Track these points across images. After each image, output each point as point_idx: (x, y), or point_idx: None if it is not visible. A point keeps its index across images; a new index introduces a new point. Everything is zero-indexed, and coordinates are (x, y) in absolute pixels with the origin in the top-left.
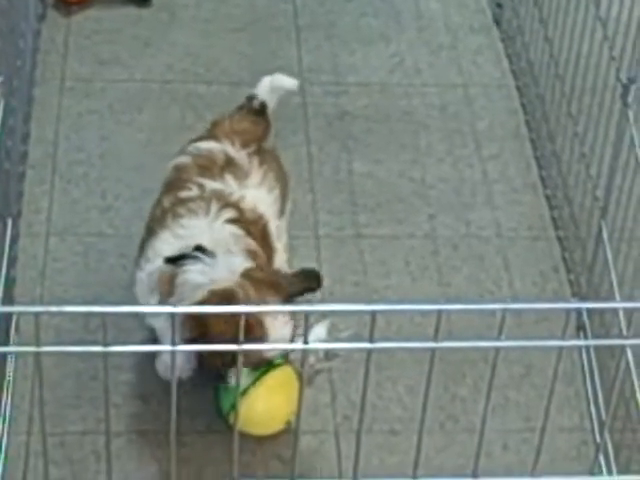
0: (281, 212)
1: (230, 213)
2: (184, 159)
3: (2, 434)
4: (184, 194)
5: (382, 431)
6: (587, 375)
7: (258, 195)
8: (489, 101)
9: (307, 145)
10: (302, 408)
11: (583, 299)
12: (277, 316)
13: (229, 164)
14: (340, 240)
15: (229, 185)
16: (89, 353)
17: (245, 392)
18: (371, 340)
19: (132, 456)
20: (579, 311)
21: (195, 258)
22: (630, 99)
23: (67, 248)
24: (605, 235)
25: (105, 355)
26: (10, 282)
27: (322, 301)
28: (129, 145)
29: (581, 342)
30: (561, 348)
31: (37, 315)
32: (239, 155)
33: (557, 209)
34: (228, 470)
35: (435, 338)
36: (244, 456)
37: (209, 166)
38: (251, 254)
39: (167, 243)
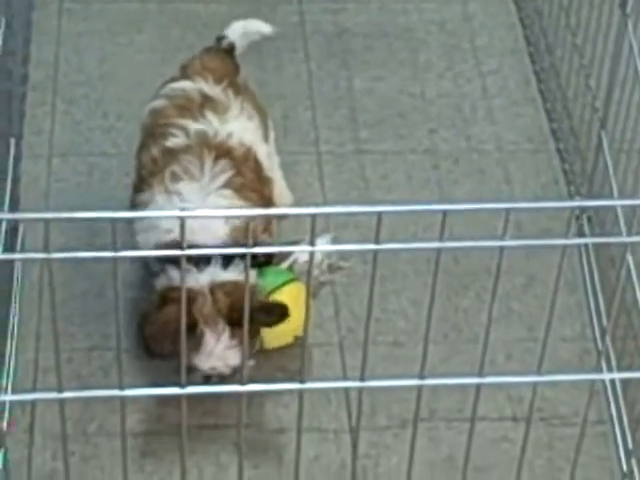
0: (265, 138)
1: (224, 171)
2: (160, 102)
3: (10, 351)
4: (171, 142)
5: (386, 343)
6: (588, 284)
7: (241, 125)
8: (487, 17)
9: (306, 63)
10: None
11: (584, 209)
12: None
13: (206, 101)
14: (341, 156)
15: (211, 123)
16: (99, 259)
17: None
18: (377, 241)
19: (138, 372)
20: (580, 222)
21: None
22: (629, 9)
23: (70, 168)
24: (605, 145)
25: (115, 260)
26: (14, 202)
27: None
28: (129, 66)
29: (584, 240)
30: (564, 249)
31: (47, 222)
32: (214, 91)
33: (557, 122)
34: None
35: (440, 238)
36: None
37: (187, 106)
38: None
39: (165, 208)
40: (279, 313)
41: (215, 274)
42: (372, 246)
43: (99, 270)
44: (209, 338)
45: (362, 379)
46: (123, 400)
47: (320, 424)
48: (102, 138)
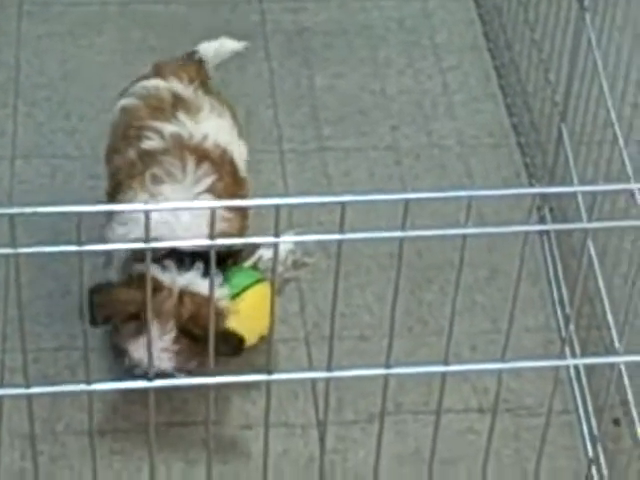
0: (240, 134)
1: (206, 175)
2: (132, 101)
3: None
4: (147, 145)
5: (352, 337)
6: (551, 274)
7: (215, 125)
8: (447, 13)
9: (267, 61)
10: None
11: (545, 200)
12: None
13: (178, 101)
14: (304, 154)
15: (184, 125)
16: (65, 253)
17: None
18: (341, 231)
19: (105, 371)
20: (542, 213)
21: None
22: (586, 3)
23: (33, 170)
24: (565, 138)
25: (80, 255)
26: None
27: (289, 213)
28: (90, 67)
29: (545, 227)
30: (526, 236)
31: (12, 217)
32: (186, 91)
33: (517, 116)
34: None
35: (403, 227)
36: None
37: (159, 106)
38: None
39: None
40: (234, 345)
41: (192, 281)
42: (337, 236)
43: (64, 270)
44: (153, 332)
45: (329, 369)
46: (90, 395)
47: (288, 419)
48: (65, 140)
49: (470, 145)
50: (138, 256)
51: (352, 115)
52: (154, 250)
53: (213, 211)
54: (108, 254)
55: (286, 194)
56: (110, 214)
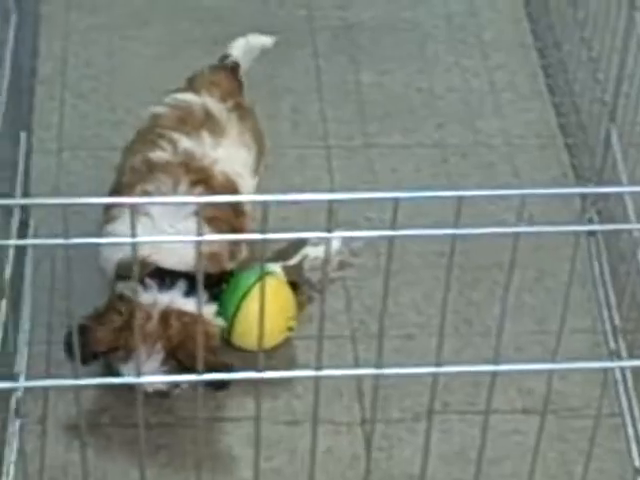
0: (255, 172)
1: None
2: (161, 109)
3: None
4: (155, 155)
5: (399, 336)
6: (598, 278)
7: (232, 153)
8: (494, 11)
9: (314, 58)
10: (316, 315)
11: (592, 203)
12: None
13: (207, 118)
14: (350, 150)
15: (203, 143)
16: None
17: (237, 309)
18: (393, 227)
19: None
20: (589, 216)
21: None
22: (637, 2)
23: (80, 162)
24: (614, 139)
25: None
26: (26, 196)
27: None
28: (137, 59)
29: (598, 227)
30: (577, 238)
31: (65, 207)
32: (218, 109)
33: (565, 116)
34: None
35: (456, 224)
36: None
37: (186, 119)
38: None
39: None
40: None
41: (174, 300)
42: (389, 232)
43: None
44: (140, 354)
45: (379, 366)
46: (139, 388)
47: (333, 417)
48: (111, 132)
49: (517, 145)
50: (121, 273)
51: (398, 112)
52: (143, 267)
53: (201, 207)
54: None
55: (332, 190)
56: (107, 209)
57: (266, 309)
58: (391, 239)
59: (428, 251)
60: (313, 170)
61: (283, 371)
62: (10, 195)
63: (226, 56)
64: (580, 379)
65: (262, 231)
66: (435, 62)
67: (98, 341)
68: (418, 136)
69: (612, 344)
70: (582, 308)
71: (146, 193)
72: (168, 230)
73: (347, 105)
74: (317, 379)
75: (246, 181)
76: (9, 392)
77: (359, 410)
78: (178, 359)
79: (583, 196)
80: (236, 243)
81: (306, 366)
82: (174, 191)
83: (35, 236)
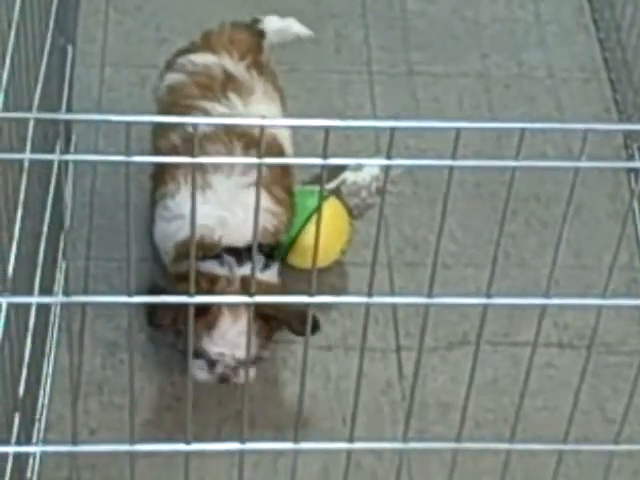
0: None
1: (254, 165)
2: (179, 77)
3: (61, 260)
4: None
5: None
6: (637, 215)
7: (266, 110)
8: None
9: None
10: (354, 241)
11: (634, 139)
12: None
13: (230, 80)
14: (393, 76)
15: (235, 107)
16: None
17: (300, 229)
18: (454, 157)
19: None
20: (630, 152)
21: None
22: None
23: (122, 79)
24: None
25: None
26: (69, 110)
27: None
28: None
29: (635, 164)
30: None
31: (129, 125)
32: (238, 68)
33: (610, 51)
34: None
35: (517, 157)
36: (300, 285)
37: (209, 85)
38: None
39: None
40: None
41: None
42: (449, 162)
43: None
44: (225, 318)
45: (430, 295)
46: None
47: (367, 343)
48: (154, 50)
49: (560, 78)
50: (184, 252)
51: (443, 41)
52: (208, 247)
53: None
54: (154, 249)
55: (375, 116)
56: (154, 209)
57: (326, 231)
58: (451, 169)
59: (466, 181)
60: (355, 96)
61: (335, 296)
62: (56, 110)
63: (257, 20)
64: (614, 315)
65: (323, 156)
66: None
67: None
68: (461, 66)
69: None
70: (620, 243)
71: (201, 167)
72: (230, 205)
73: (391, 32)
74: (367, 306)
75: (284, 135)
76: (48, 307)
77: (394, 337)
78: (267, 318)
79: (626, 133)
80: (291, 212)
81: (343, 291)
82: (231, 167)
83: (76, 152)
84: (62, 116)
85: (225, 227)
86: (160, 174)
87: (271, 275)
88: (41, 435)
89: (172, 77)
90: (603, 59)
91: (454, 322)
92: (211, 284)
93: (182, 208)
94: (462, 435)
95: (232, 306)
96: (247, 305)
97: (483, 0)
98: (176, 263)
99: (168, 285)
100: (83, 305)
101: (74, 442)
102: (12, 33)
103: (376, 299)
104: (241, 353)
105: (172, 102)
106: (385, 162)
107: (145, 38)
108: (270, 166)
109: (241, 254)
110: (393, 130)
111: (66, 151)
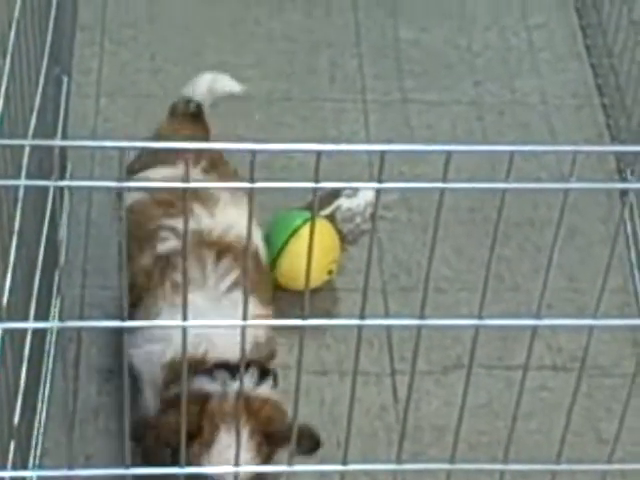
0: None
1: (229, 271)
2: (139, 196)
3: (56, 295)
4: (162, 247)
5: (428, 289)
6: (630, 238)
7: (234, 214)
8: None
9: (354, 11)
10: (348, 267)
11: (627, 164)
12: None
13: (191, 192)
14: (387, 105)
15: (200, 219)
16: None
17: (283, 247)
18: (444, 180)
19: None
20: (624, 176)
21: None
22: None
23: (118, 109)
24: None
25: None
26: (65, 139)
27: (369, 163)
28: (177, 8)
29: (628, 185)
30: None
31: (122, 150)
32: (197, 176)
33: (602, 77)
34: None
35: (506, 179)
36: (293, 310)
37: (170, 201)
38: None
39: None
40: (310, 444)
41: (246, 388)
42: (440, 184)
43: None
44: (224, 435)
45: (422, 317)
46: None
47: (362, 367)
48: (149, 80)
49: (553, 104)
50: (173, 376)
51: (436, 69)
52: (199, 362)
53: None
54: (134, 380)
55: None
56: (133, 330)
57: (317, 249)
58: (442, 191)
59: (460, 206)
60: (349, 124)
61: (328, 319)
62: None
63: (187, 100)
64: (608, 338)
65: (315, 180)
66: (474, 20)
67: (174, 427)
68: (455, 93)
69: None
70: (613, 268)
71: (175, 284)
72: (212, 317)
73: (385, 60)
74: (360, 328)
75: (255, 233)
76: (43, 334)
77: (388, 361)
78: (266, 434)
79: (618, 156)
80: (260, 274)
81: (336, 316)
82: (203, 272)
83: (72, 179)
84: (57, 142)
85: (211, 341)
86: (137, 298)
87: (266, 389)
88: (37, 461)
89: (132, 196)
90: (596, 85)
91: (448, 346)
92: (203, 402)
93: (167, 329)
94: (456, 457)
95: (229, 422)
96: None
97: (476, 28)
98: (165, 388)
99: (155, 415)
100: (78, 331)
101: (70, 467)
102: (7, 63)
103: (368, 321)
104: (246, 470)
105: (137, 222)
106: (376, 185)
107: (140, 68)
108: (252, 270)
109: (233, 368)
110: (384, 154)
111: (61, 180)
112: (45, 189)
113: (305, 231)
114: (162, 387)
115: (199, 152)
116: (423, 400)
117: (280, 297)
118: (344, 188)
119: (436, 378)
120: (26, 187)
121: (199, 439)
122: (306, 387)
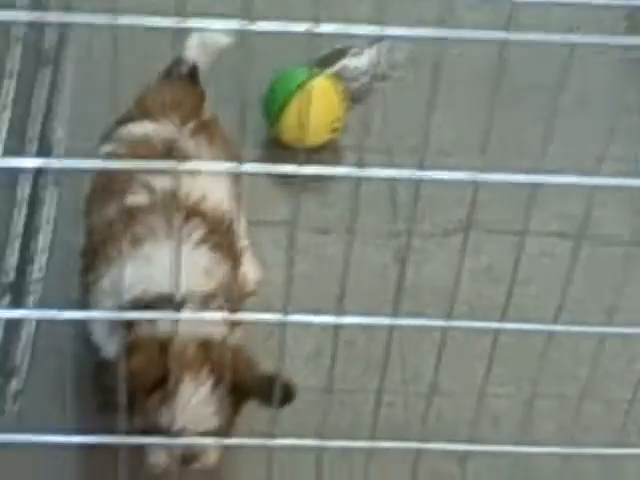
0: (239, 195)
1: (197, 228)
2: (117, 149)
3: None
4: (132, 200)
5: (432, 151)
6: None
7: (214, 183)
8: None
9: None
10: (353, 125)
11: None
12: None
13: (173, 151)
14: None
15: (181, 182)
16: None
17: (287, 101)
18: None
19: None
20: None
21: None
22: None
23: None
24: None
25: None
26: None
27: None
28: None
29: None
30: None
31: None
32: (181, 136)
33: None
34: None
35: (507, 29)
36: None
37: (150, 157)
38: (223, 288)
39: (130, 277)
40: (283, 395)
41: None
42: (444, 33)
43: None
44: (186, 388)
45: (421, 167)
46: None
47: (364, 227)
48: None
49: None
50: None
51: None
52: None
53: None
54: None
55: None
56: (89, 282)
57: (314, 105)
58: (443, 42)
59: (470, 72)
60: None
61: (328, 167)
62: None
63: (180, 61)
64: (616, 206)
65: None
66: None
67: (140, 372)
68: None
69: None
70: (623, 135)
71: (135, 238)
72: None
73: None
74: (359, 179)
75: (238, 215)
76: None
77: (392, 221)
78: (233, 385)
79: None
80: (234, 256)
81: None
82: (168, 229)
83: None
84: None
85: (154, 284)
86: (91, 251)
87: (235, 336)
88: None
89: (109, 149)
90: None
91: (451, 209)
92: (163, 350)
93: (128, 278)
94: (454, 316)
95: (192, 372)
96: (210, 369)
97: None
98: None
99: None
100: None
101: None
102: None
103: (367, 172)
104: (207, 423)
105: (107, 175)
106: (378, 32)
107: None
108: (214, 231)
109: (182, 306)
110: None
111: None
112: None
113: (310, 86)
114: (117, 335)
115: (189, 112)
116: (424, 261)
117: (282, 156)
118: (350, 47)
119: (438, 240)
120: None
121: (161, 390)
122: (307, 245)
